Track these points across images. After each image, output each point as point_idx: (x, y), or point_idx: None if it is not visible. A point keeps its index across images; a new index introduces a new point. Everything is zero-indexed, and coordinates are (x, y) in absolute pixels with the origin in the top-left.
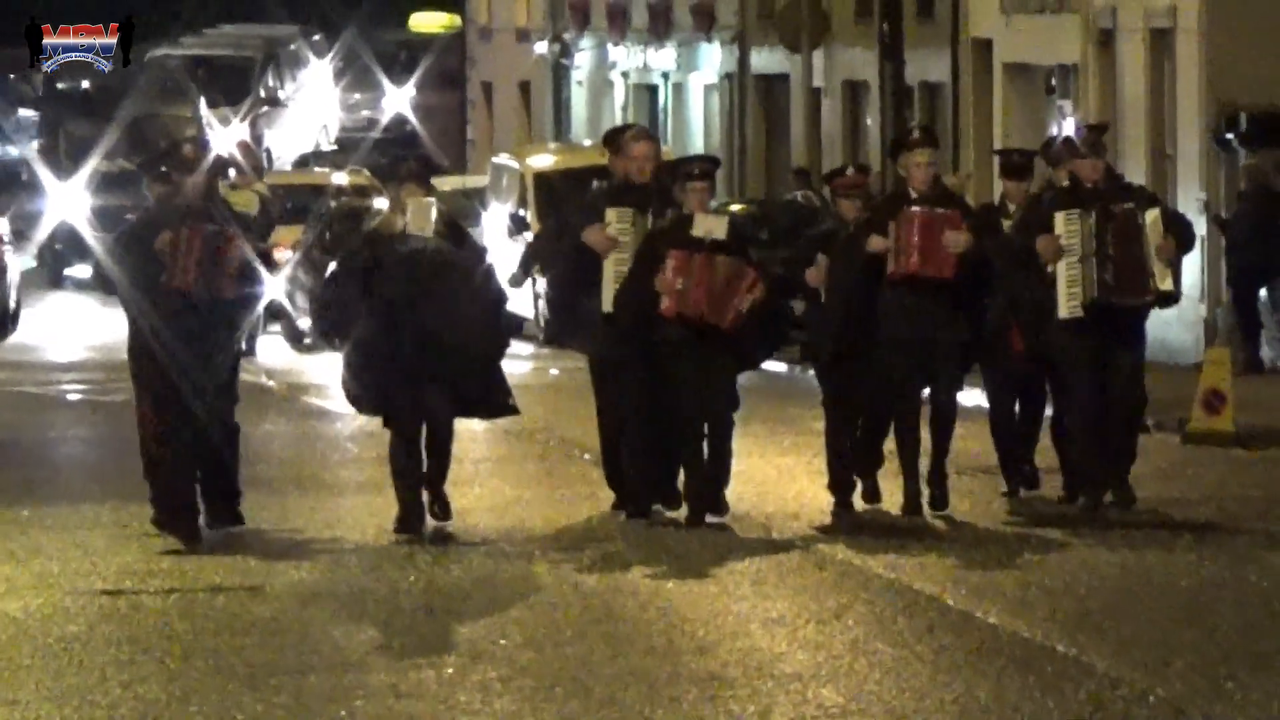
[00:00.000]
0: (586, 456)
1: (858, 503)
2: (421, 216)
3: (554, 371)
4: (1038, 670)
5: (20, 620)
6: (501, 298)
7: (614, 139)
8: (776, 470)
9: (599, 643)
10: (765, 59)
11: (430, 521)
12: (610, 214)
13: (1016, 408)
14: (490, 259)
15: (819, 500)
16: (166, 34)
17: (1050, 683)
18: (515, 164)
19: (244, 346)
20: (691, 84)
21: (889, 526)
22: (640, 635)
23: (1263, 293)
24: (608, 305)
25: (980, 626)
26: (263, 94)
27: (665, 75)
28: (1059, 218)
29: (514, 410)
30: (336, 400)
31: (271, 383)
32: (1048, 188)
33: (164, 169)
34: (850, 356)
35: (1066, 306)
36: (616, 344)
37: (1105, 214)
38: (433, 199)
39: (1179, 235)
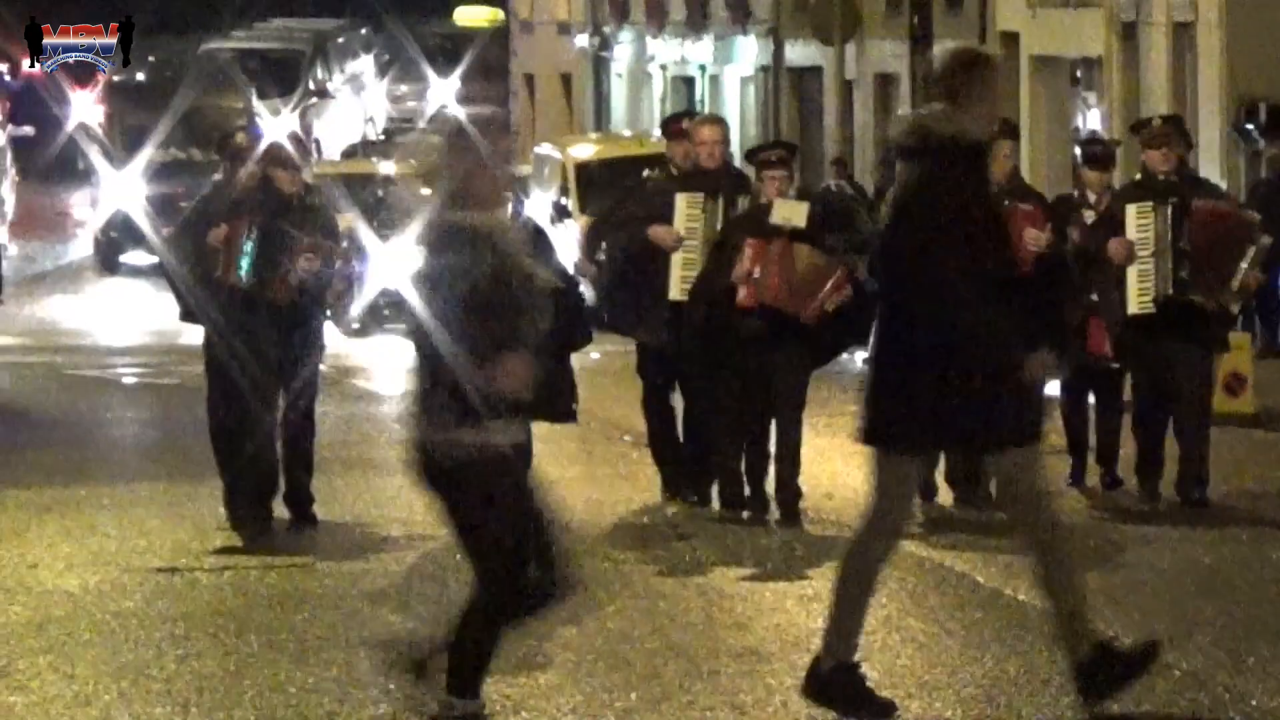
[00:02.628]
0: (627, 438)
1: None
2: None
3: (595, 355)
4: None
5: (78, 596)
6: (579, 295)
7: (671, 125)
8: (811, 450)
9: (639, 618)
10: (799, 51)
11: None
12: (681, 200)
13: (1091, 399)
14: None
15: (852, 480)
16: (217, 27)
17: None
18: (557, 154)
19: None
20: (727, 76)
21: (918, 509)
22: (679, 611)
23: None
24: (675, 292)
25: (1009, 603)
26: (311, 86)
27: (702, 68)
28: (1131, 210)
29: (570, 417)
30: (383, 383)
31: (321, 365)
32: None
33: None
34: None
35: (1137, 302)
36: (685, 333)
37: (1181, 209)
38: None
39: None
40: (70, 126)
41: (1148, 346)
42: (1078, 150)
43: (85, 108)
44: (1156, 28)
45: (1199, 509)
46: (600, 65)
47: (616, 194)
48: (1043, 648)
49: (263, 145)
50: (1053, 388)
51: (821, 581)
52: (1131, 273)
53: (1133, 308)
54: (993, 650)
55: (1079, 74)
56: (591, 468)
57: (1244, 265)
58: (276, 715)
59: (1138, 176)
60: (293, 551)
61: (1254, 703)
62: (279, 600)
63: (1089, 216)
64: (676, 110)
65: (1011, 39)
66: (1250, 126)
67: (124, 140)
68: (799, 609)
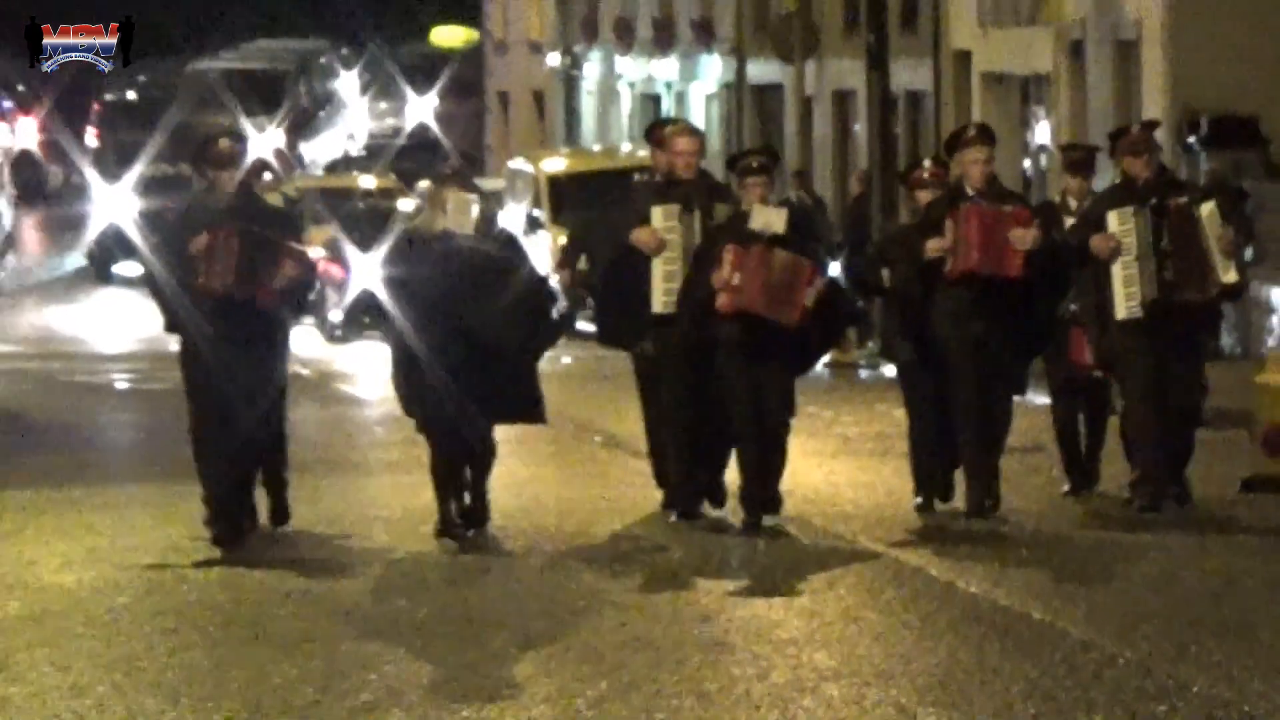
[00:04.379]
0: (597, 439)
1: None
2: (461, 213)
3: (566, 359)
4: (1015, 635)
5: (73, 592)
6: (549, 297)
7: (654, 132)
8: None
9: (608, 612)
10: (761, 69)
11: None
12: (656, 212)
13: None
14: (535, 264)
15: (811, 479)
16: (205, 48)
17: (1027, 647)
18: (530, 168)
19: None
20: (693, 93)
21: (875, 505)
22: (647, 604)
23: None
24: (657, 305)
25: (962, 596)
26: (296, 104)
27: (668, 85)
28: (1112, 216)
29: (540, 418)
30: (364, 387)
31: (305, 370)
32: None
33: (202, 164)
34: (924, 358)
35: (1125, 307)
36: (667, 343)
37: (1159, 210)
38: (474, 195)
39: (1239, 225)
40: (13, 154)
41: (1138, 351)
42: (1046, 157)
43: (27, 135)
44: (1102, 45)
45: (1184, 504)
46: (571, 83)
47: (595, 204)
48: (993, 638)
49: (247, 159)
50: (1042, 397)
51: (782, 575)
52: (1117, 278)
53: (1121, 313)
54: (946, 640)
55: (1029, 90)
56: (563, 468)
57: (1210, 246)
58: (262, 704)
59: (1117, 181)
60: (277, 550)
61: (1195, 689)
62: (264, 596)
63: (1070, 224)
64: (645, 124)
65: (964, 57)
66: (1192, 140)
67: (116, 156)
68: (762, 602)
